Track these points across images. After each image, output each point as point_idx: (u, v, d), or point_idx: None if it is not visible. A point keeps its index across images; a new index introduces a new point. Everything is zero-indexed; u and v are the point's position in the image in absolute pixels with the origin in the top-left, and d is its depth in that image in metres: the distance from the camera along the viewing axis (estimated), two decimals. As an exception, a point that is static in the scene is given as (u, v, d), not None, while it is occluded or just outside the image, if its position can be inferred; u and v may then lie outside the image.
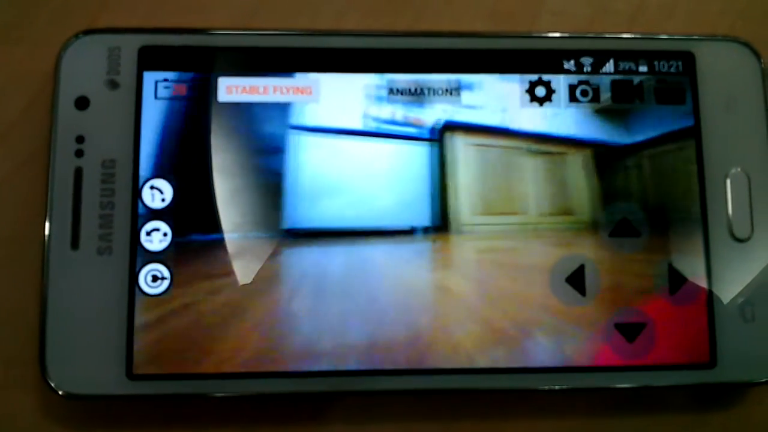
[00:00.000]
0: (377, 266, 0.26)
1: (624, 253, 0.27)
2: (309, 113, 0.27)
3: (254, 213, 0.26)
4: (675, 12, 0.30)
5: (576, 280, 0.26)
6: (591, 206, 0.27)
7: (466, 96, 0.27)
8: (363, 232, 0.27)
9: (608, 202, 0.27)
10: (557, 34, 0.28)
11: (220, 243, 0.26)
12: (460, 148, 0.27)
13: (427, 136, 0.27)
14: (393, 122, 0.27)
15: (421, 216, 0.27)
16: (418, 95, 0.27)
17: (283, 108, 0.27)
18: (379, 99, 0.27)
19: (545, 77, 0.27)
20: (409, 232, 0.27)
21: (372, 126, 0.27)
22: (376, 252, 0.26)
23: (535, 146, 0.27)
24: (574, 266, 0.26)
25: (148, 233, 0.26)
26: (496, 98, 0.27)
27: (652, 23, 0.30)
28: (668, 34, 0.28)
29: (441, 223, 0.27)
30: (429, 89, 0.27)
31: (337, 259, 0.26)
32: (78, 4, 0.28)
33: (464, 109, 0.27)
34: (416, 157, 0.27)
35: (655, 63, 0.28)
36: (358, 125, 0.27)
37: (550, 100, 0.27)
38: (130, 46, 0.26)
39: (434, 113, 0.27)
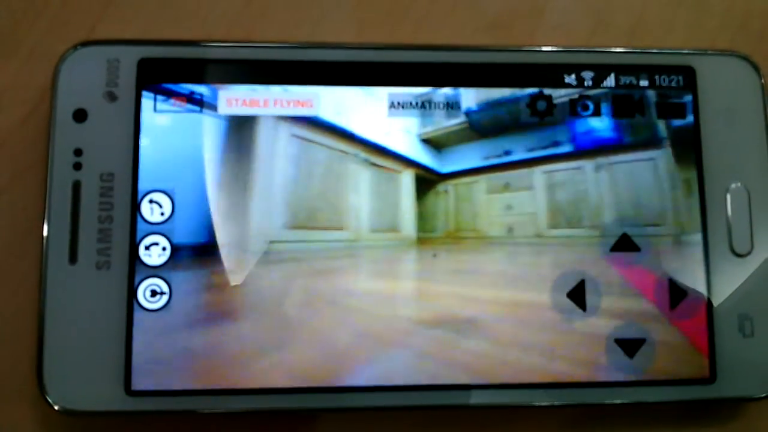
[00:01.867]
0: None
1: (624, 267, 0.26)
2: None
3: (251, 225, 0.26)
4: (674, 26, 0.30)
5: (577, 295, 0.26)
6: (594, 219, 0.27)
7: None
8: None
9: (608, 215, 0.27)
10: (558, 49, 0.28)
11: (220, 257, 0.25)
12: (282, 137, 0.23)
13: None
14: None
15: (193, 229, 0.23)
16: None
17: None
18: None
19: (546, 91, 0.27)
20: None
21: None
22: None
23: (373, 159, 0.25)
24: (575, 281, 0.26)
25: (147, 247, 0.25)
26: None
27: (652, 37, 0.30)
28: (669, 49, 0.28)
29: (233, 240, 0.24)
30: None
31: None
32: (76, 15, 0.28)
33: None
34: (192, 132, 0.22)
35: (656, 77, 0.28)
36: None
37: (551, 114, 0.27)
38: (129, 57, 0.26)
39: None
